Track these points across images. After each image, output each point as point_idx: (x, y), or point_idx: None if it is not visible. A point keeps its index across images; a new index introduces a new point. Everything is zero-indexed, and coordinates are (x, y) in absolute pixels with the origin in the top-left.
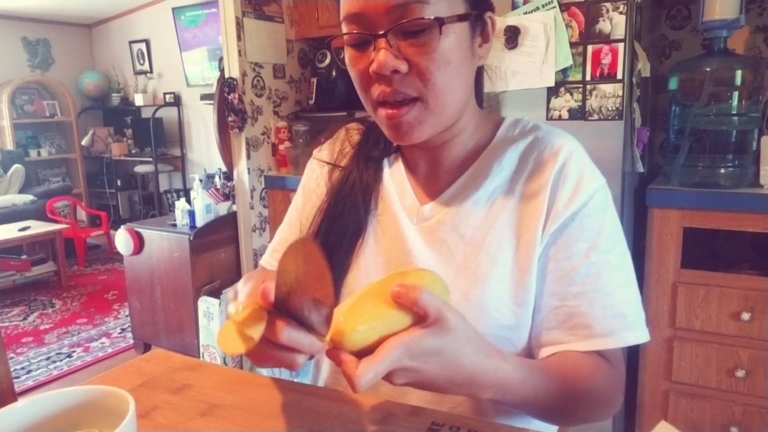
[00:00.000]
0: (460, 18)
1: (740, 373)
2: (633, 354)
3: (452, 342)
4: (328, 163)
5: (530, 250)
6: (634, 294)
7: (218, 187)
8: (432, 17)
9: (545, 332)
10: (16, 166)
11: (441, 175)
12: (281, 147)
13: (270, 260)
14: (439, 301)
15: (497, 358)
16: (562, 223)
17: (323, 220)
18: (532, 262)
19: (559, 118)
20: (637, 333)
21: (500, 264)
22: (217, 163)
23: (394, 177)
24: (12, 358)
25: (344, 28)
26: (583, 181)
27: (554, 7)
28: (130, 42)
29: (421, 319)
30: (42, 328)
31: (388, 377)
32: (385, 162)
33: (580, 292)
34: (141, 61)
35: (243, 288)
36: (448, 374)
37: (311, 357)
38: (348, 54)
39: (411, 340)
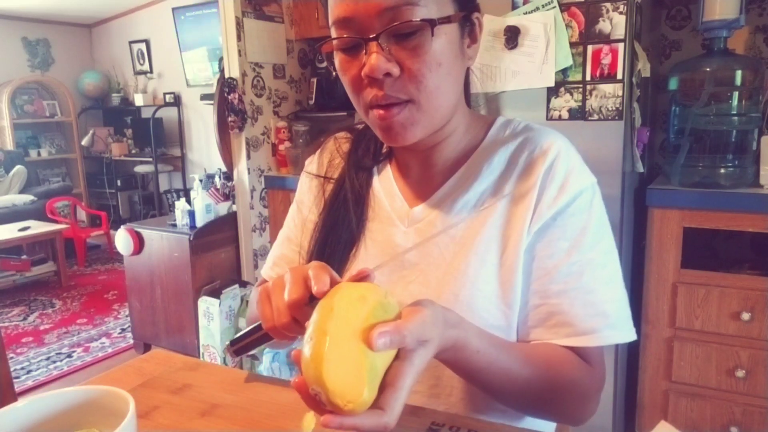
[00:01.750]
0: (450, 19)
1: (740, 373)
2: (633, 354)
3: (438, 338)
4: (318, 176)
5: (517, 249)
6: (618, 292)
7: (218, 187)
8: (423, 19)
9: (528, 330)
10: (18, 167)
11: (433, 177)
12: (281, 147)
13: (271, 273)
14: (417, 321)
15: (458, 328)
16: (545, 222)
17: (318, 235)
18: (518, 262)
19: (559, 118)
20: (620, 332)
21: (489, 264)
22: (217, 163)
23: (383, 183)
24: (12, 358)
25: (334, 33)
26: (569, 181)
27: (554, 7)
28: (130, 42)
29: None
30: (42, 328)
31: None
32: (374, 169)
33: (561, 291)
34: (141, 61)
35: (254, 301)
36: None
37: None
38: (339, 59)
39: (420, 363)
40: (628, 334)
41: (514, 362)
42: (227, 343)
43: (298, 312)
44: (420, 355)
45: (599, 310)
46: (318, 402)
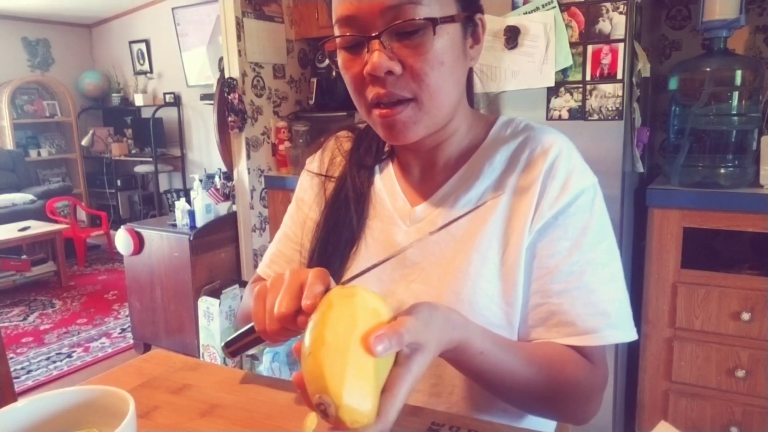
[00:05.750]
0: (453, 19)
1: (740, 373)
2: (633, 354)
3: (435, 342)
4: (319, 175)
5: (518, 247)
6: (619, 292)
7: (218, 187)
8: (425, 18)
9: (528, 330)
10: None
11: (434, 177)
12: (281, 147)
13: (267, 271)
14: (412, 321)
15: (462, 329)
16: (547, 221)
17: (320, 233)
18: (520, 261)
19: (559, 118)
20: (621, 332)
21: (490, 263)
22: (217, 163)
23: (385, 181)
24: (12, 358)
25: (337, 31)
26: (571, 180)
27: (554, 7)
28: (130, 42)
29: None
30: (42, 328)
31: None
32: (376, 168)
33: (562, 290)
34: (141, 61)
35: (247, 297)
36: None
37: None
38: (341, 57)
39: (417, 369)
40: (629, 334)
41: (518, 362)
42: (222, 344)
43: (287, 323)
44: (417, 361)
45: (600, 310)
46: (316, 405)
